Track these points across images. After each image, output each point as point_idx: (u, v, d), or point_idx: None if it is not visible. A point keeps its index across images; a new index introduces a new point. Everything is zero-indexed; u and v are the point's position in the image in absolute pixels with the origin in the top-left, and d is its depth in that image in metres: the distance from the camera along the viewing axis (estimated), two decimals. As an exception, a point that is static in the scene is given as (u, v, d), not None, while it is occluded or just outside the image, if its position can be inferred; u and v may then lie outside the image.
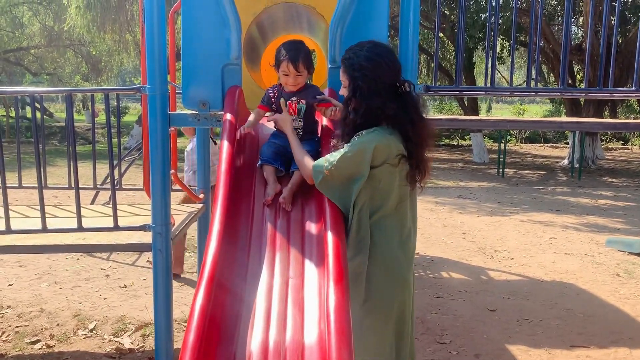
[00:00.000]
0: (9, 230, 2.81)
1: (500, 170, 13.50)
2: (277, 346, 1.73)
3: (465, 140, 22.69)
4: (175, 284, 4.36)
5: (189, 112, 2.84)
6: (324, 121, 2.52)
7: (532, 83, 3.15)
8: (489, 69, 3.18)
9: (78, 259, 5.48)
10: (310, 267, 2.03)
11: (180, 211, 3.74)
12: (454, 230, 7.24)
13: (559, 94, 4.39)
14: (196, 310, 1.68)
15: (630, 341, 3.82)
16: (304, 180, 2.27)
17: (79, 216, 2.88)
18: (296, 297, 1.92)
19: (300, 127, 2.42)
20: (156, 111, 2.73)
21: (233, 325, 1.82)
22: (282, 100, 2.42)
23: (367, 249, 2.10)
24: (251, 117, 2.48)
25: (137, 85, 2.86)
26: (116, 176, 3.77)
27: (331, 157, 2.11)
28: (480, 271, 5.46)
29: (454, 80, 3.21)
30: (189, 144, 5.03)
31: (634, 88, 3.09)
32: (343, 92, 2.21)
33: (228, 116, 2.48)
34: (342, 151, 2.09)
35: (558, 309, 4.43)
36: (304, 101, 2.39)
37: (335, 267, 1.87)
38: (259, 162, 2.37)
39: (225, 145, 2.35)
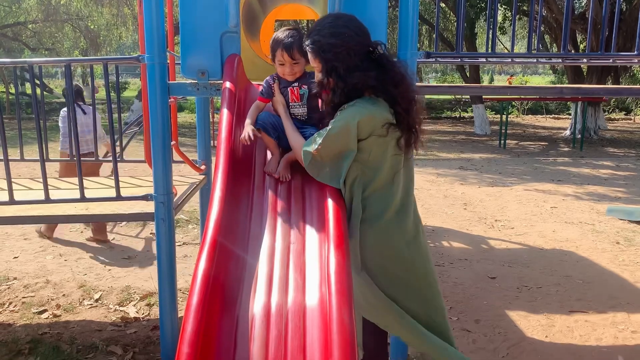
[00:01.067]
0: (12, 201, 2.83)
1: (502, 141, 13.46)
2: (279, 308, 1.76)
3: (467, 112, 22.57)
4: (178, 253, 4.40)
5: (189, 81, 2.84)
6: None
7: (534, 46, 3.12)
8: (490, 38, 3.15)
9: (82, 232, 5.53)
10: (311, 232, 2.05)
11: (182, 182, 3.76)
12: (454, 201, 7.26)
13: (560, 60, 4.35)
14: (199, 274, 1.70)
15: (629, 306, 3.87)
16: None
17: (81, 187, 2.90)
18: (297, 261, 1.95)
19: (305, 114, 2.36)
20: (155, 81, 2.73)
21: (236, 289, 1.85)
22: (275, 83, 2.36)
23: (358, 224, 2.04)
24: (250, 115, 2.36)
25: (136, 55, 2.85)
26: (118, 150, 3.79)
27: (318, 137, 2.06)
28: (480, 240, 5.50)
29: (455, 48, 3.18)
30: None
31: (636, 52, 3.06)
32: (318, 77, 2.11)
33: (227, 84, 2.48)
34: (327, 129, 2.03)
35: (557, 276, 4.48)
36: (305, 86, 2.33)
37: (336, 231, 1.89)
38: (257, 125, 2.31)
39: (225, 113, 2.35)
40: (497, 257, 4.93)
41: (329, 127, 2.02)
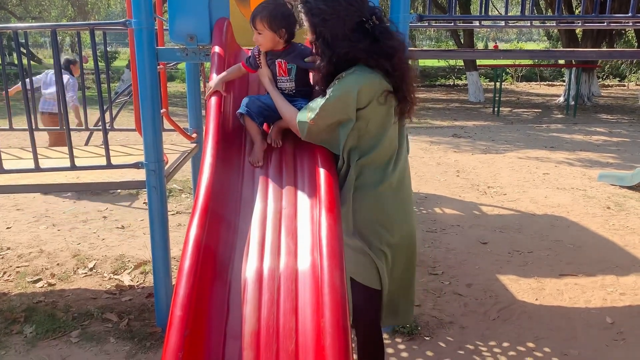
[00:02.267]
0: (1, 170, 2.81)
1: (496, 109, 13.43)
2: (271, 273, 1.77)
3: (461, 80, 22.45)
4: (172, 222, 4.40)
5: (177, 46, 2.79)
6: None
7: (527, 12, 3.08)
8: (483, 2, 3.11)
9: (74, 202, 5.52)
10: (302, 197, 2.05)
11: (173, 150, 3.74)
12: (447, 168, 7.27)
13: (554, 22, 4.30)
14: (190, 239, 1.70)
15: (618, 269, 3.93)
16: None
17: (71, 155, 2.88)
18: (289, 226, 1.95)
19: (293, 88, 2.25)
20: (143, 46, 2.68)
21: (228, 254, 1.86)
22: (262, 54, 2.26)
23: (351, 191, 2.02)
24: (227, 72, 2.31)
25: (123, 20, 2.80)
26: (108, 119, 3.75)
27: (314, 104, 2.00)
28: (473, 206, 5.54)
29: (448, 11, 3.14)
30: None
31: (630, 14, 3.03)
32: (311, 38, 2.03)
33: (216, 49, 2.44)
34: (324, 98, 1.97)
35: (548, 240, 4.53)
36: (294, 64, 2.22)
37: (327, 196, 1.89)
38: (240, 111, 2.21)
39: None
40: (489, 223, 4.97)
41: (326, 95, 1.96)
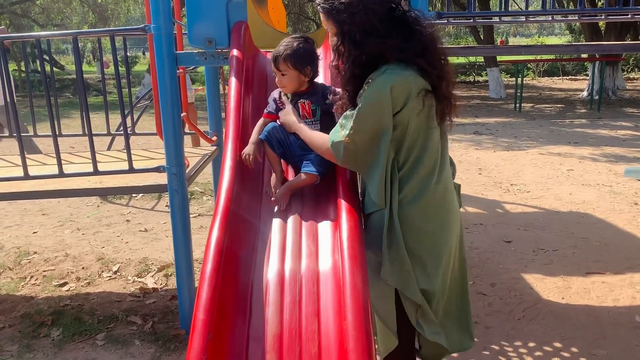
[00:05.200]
0: (26, 176, 2.86)
1: (517, 105, 13.24)
2: (292, 275, 1.77)
3: (481, 76, 22.21)
4: (194, 225, 4.43)
5: (196, 50, 2.81)
6: None
7: (549, 6, 3.03)
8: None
9: (98, 206, 5.60)
10: (322, 199, 2.04)
11: (194, 154, 3.77)
12: (469, 166, 7.20)
13: (576, 16, 4.22)
14: (212, 242, 1.71)
15: (647, 266, 3.85)
16: (306, 186, 2.04)
17: (94, 160, 2.92)
18: (310, 228, 1.95)
19: (319, 130, 2.05)
20: (162, 51, 2.71)
21: (249, 257, 1.86)
22: (284, 97, 2.15)
23: (389, 205, 1.80)
24: (255, 133, 2.15)
25: (142, 25, 2.83)
26: (129, 124, 3.80)
27: (345, 121, 1.78)
28: (496, 205, 5.46)
29: (467, 7, 3.10)
30: None
31: (655, 6, 2.96)
32: (333, 41, 1.83)
33: (235, 52, 2.45)
34: (356, 110, 1.75)
35: (574, 238, 4.44)
36: (317, 104, 2.11)
37: (347, 197, 1.88)
38: (261, 136, 2.08)
39: (234, 81, 2.33)
40: (512, 221, 4.90)
41: (359, 105, 1.74)
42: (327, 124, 2.03)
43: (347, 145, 1.77)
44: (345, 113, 1.82)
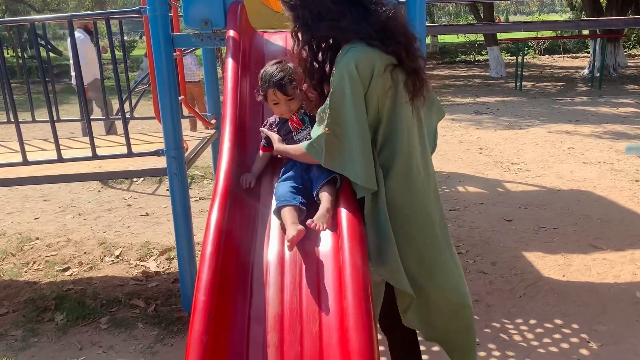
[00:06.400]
0: (25, 162, 2.85)
1: (518, 83, 13.16)
2: (293, 254, 1.76)
3: (481, 55, 22.03)
4: (195, 209, 4.44)
5: (192, 32, 2.78)
6: None
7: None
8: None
9: (99, 191, 5.60)
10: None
11: (193, 137, 3.75)
12: (470, 146, 7.18)
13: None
14: (212, 224, 1.71)
15: (647, 243, 3.85)
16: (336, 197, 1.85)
17: (93, 145, 2.91)
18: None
19: (310, 137, 1.93)
20: (158, 33, 2.68)
21: (249, 238, 1.86)
22: (267, 126, 2.11)
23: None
24: (256, 163, 2.12)
25: (137, 8, 2.80)
26: (127, 108, 3.78)
27: (321, 113, 1.75)
28: (496, 184, 5.46)
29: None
30: None
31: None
32: (292, 28, 1.81)
33: (231, 33, 2.42)
34: (328, 99, 1.72)
35: (575, 216, 4.44)
36: (302, 110, 2.05)
37: (346, 180, 1.87)
38: (275, 207, 1.88)
39: (231, 62, 2.31)
40: (513, 200, 4.90)
41: (330, 89, 1.70)
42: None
43: (328, 137, 1.73)
44: (318, 110, 1.78)
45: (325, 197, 1.81)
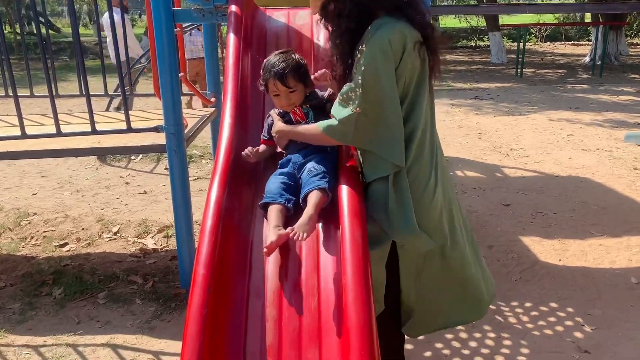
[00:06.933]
0: (24, 135, 2.83)
1: (519, 70, 13.10)
2: (292, 229, 1.76)
3: (483, 41, 21.90)
4: (193, 188, 4.43)
5: (193, 7, 2.75)
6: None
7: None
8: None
9: (97, 169, 5.58)
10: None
11: (192, 114, 3.73)
12: (469, 131, 7.16)
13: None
14: (212, 199, 1.71)
15: (644, 230, 3.87)
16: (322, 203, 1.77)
17: (92, 119, 2.89)
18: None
19: None
20: (159, 7, 2.64)
21: (249, 213, 1.86)
22: (273, 112, 2.04)
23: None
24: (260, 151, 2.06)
25: (138, -19, 2.76)
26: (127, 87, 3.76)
27: (349, 92, 1.69)
28: (495, 169, 5.46)
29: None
30: None
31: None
32: (315, 4, 1.80)
33: (233, 7, 2.40)
34: (358, 77, 1.66)
35: (573, 202, 4.46)
36: (308, 105, 2.00)
37: (347, 156, 1.88)
38: (262, 202, 1.82)
39: (232, 38, 2.29)
40: (511, 185, 4.91)
41: (360, 69, 1.66)
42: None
43: (359, 116, 1.68)
44: (342, 90, 1.73)
45: (311, 203, 1.72)
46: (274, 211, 1.75)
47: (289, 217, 1.75)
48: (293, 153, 1.94)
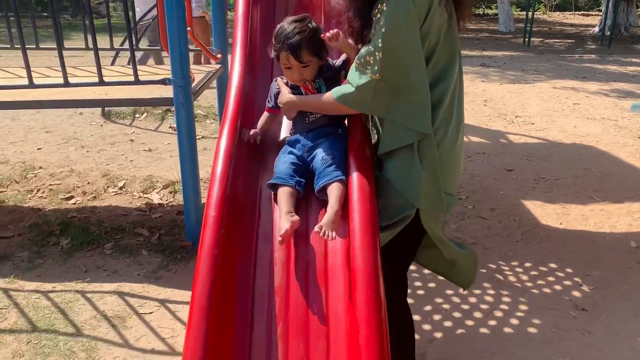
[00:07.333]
0: (31, 85, 2.83)
1: (527, 39, 12.95)
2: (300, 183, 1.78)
3: (491, 9, 21.58)
4: (198, 147, 4.45)
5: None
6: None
7: None
8: None
9: (102, 125, 5.59)
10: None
11: (199, 70, 3.72)
12: (475, 98, 7.13)
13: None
14: (222, 146, 1.72)
15: (646, 197, 3.89)
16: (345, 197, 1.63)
17: (99, 71, 2.88)
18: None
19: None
20: (168, -44, 2.61)
21: (258, 164, 1.88)
22: (279, 79, 1.89)
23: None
24: (260, 122, 1.95)
25: None
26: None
27: (367, 57, 1.55)
28: (499, 135, 5.46)
29: None
30: None
31: None
32: None
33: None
34: (377, 39, 1.51)
35: (576, 168, 4.47)
36: (321, 79, 1.83)
37: (357, 137, 1.82)
38: (270, 181, 1.72)
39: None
40: (515, 151, 4.92)
41: (382, 30, 1.50)
42: None
43: (378, 83, 1.54)
44: (359, 53, 1.58)
45: (334, 197, 1.61)
46: (284, 194, 1.65)
47: (299, 200, 1.68)
48: (301, 132, 1.83)
